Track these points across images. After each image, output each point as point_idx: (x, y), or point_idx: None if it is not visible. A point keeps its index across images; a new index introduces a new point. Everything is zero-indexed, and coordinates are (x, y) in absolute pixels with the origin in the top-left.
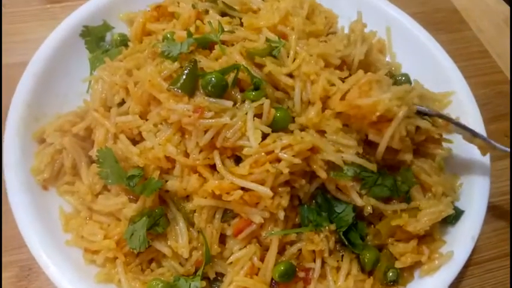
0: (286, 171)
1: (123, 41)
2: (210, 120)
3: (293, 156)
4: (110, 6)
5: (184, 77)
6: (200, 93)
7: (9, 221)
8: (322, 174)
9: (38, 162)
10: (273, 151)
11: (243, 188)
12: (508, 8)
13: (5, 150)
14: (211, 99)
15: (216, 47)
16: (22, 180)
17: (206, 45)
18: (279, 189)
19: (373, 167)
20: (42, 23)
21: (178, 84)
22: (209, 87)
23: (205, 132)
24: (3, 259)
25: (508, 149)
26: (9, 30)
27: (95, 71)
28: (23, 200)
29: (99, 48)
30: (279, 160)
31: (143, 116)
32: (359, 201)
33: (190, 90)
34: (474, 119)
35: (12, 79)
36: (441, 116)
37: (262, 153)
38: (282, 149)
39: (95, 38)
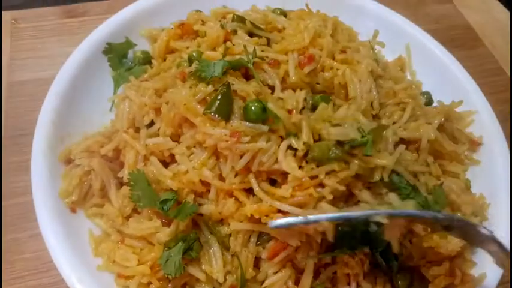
0: (330, 197)
1: (146, 59)
2: (247, 145)
3: (337, 182)
4: (131, 22)
5: (219, 101)
6: (235, 117)
7: (35, 244)
8: (366, 197)
9: (66, 184)
10: (317, 176)
11: (280, 211)
12: None
13: (33, 171)
14: (247, 123)
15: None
16: (51, 203)
17: (237, 66)
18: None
19: (408, 175)
20: (60, 38)
21: (214, 108)
22: (250, 115)
23: (241, 156)
24: (28, 283)
25: None
26: (26, 46)
27: (118, 89)
28: (52, 224)
29: (121, 65)
30: (322, 185)
31: (173, 137)
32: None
33: (226, 114)
34: (497, 137)
35: (29, 95)
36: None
37: (307, 178)
38: (326, 174)
39: (118, 56)
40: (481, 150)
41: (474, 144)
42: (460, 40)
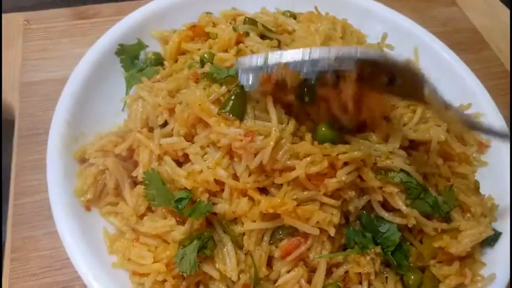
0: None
1: (157, 60)
2: (260, 143)
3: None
4: (143, 24)
5: (232, 101)
6: (248, 117)
7: (49, 241)
8: (374, 183)
9: (81, 183)
10: (329, 155)
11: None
12: None
13: (49, 169)
14: (259, 122)
15: None
16: (66, 201)
17: None
18: (332, 201)
19: (418, 176)
20: (71, 40)
21: (228, 108)
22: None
23: (255, 155)
24: (42, 280)
25: None
26: (37, 47)
27: (131, 90)
28: (68, 221)
29: (133, 66)
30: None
31: (187, 137)
32: (404, 208)
33: (240, 114)
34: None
35: (42, 95)
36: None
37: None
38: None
39: (130, 57)
40: (488, 152)
41: (482, 146)
42: (466, 43)
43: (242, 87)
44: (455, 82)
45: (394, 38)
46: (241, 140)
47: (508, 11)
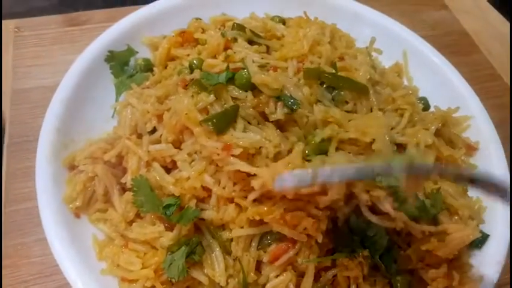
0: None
1: (147, 66)
2: (237, 161)
3: None
4: (132, 30)
5: (219, 115)
6: (235, 131)
7: (40, 248)
8: (364, 197)
9: (70, 190)
10: None
11: None
12: None
13: (38, 177)
14: (240, 134)
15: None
16: (55, 208)
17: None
18: (320, 212)
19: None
20: (62, 46)
21: (210, 121)
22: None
23: None
24: (34, 287)
25: None
26: (28, 54)
27: (120, 96)
28: (57, 229)
29: (123, 72)
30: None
31: (175, 144)
32: (392, 212)
33: (221, 127)
34: (493, 142)
35: (33, 102)
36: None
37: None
38: None
39: (120, 63)
40: (477, 154)
41: (471, 149)
42: (456, 46)
43: (237, 109)
44: (444, 85)
45: (383, 41)
46: (218, 154)
47: (498, 14)
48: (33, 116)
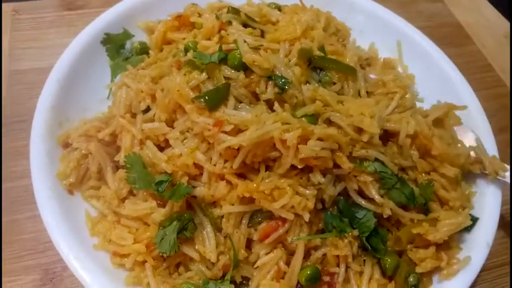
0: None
1: (143, 49)
2: (228, 137)
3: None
4: (129, 14)
5: (211, 91)
6: (226, 108)
7: (33, 225)
8: (347, 165)
9: (64, 166)
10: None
11: None
12: (508, 23)
13: (32, 154)
14: (232, 111)
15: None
16: (49, 184)
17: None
18: (306, 192)
19: (393, 166)
20: (59, 30)
21: (203, 97)
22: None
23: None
24: (26, 263)
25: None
26: (26, 36)
27: (116, 78)
28: (50, 205)
29: (119, 55)
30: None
31: (168, 123)
32: (377, 198)
33: (214, 104)
34: (485, 132)
35: (29, 83)
36: None
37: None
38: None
39: (116, 46)
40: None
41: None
42: (450, 38)
43: (229, 87)
44: (437, 74)
45: (378, 31)
46: (209, 130)
47: (491, 7)
48: (28, 97)
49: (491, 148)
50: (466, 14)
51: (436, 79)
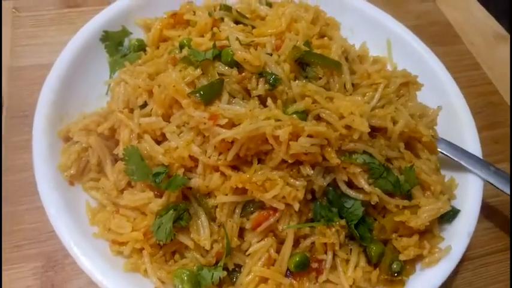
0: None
1: (140, 46)
2: (222, 130)
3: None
4: (127, 12)
5: (206, 86)
6: (219, 101)
7: (34, 216)
8: (335, 160)
9: (65, 159)
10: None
11: None
12: (497, 22)
13: (34, 146)
14: (226, 106)
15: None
16: (51, 176)
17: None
18: (297, 183)
19: (381, 158)
20: (59, 27)
21: (198, 92)
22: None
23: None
24: (28, 251)
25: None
26: (26, 34)
27: (114, 74)
28: (52, 195)
29: (117, 52)
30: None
31: (165, 117)
32: (366, 187)
33: (209, 98)
34: (469, 128)
35: (30, 79)
36: None
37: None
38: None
39: (114, 43)
40: (453, 139)
41: None
42: (439, 36)
43: (222, 82)
44: (425, 72)
45: (368, 30)
46: (205, 123)
47: (480, 6)
48: (30, 92)
49: (474, 143)
50: (455, 13)
51: (423, 77)
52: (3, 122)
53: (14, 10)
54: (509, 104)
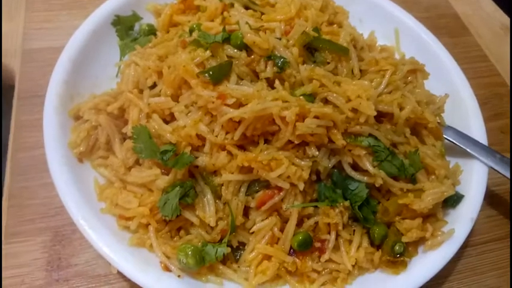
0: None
1: (151, 31)
2: (230, 109)
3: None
4: None
5: (215, 67)
6: (227, 82)
7: (44, 191)
8: (340, 142)
9: (74, 136)
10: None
11: None
12: (505, 15)
13: (45, 125)
14: (234, 86)
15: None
16: (61, 153)
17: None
18: (302, 163)
19: (386, 141)
20: (70, 12)
21: (207, 72)
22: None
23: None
24: (37, 225)
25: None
26: (39, 17)
27: (125, 57)
28: (62, 171)
29: (128, 36)
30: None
31: (173, 98)
32: (371, 169)
33: (217, 78)
34: (475, 117)
35: (42, 61)
36: None
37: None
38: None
39: (125, 27)
40: (459, 128)
41: None
42: (447, 28)
43: (231, 65)
44: (432, 62)
45: (377, 19)
46: (213, 102)
47: (491, 1)
48: (42, 74)
49: (479, 131)
50: (464, 6)
51: (430, 66)
52: (16, 102)
53: None
54: None
